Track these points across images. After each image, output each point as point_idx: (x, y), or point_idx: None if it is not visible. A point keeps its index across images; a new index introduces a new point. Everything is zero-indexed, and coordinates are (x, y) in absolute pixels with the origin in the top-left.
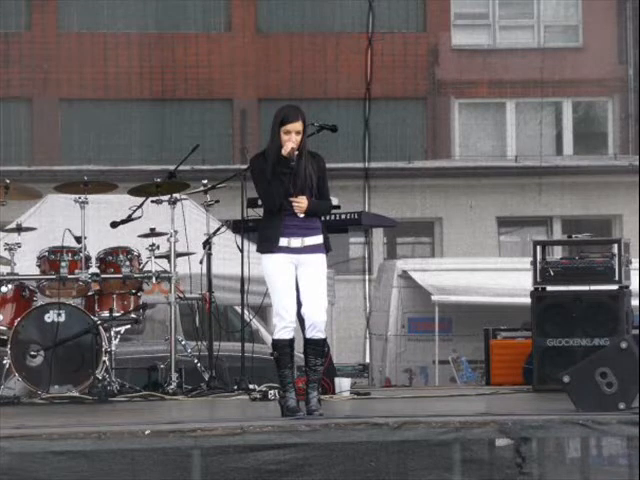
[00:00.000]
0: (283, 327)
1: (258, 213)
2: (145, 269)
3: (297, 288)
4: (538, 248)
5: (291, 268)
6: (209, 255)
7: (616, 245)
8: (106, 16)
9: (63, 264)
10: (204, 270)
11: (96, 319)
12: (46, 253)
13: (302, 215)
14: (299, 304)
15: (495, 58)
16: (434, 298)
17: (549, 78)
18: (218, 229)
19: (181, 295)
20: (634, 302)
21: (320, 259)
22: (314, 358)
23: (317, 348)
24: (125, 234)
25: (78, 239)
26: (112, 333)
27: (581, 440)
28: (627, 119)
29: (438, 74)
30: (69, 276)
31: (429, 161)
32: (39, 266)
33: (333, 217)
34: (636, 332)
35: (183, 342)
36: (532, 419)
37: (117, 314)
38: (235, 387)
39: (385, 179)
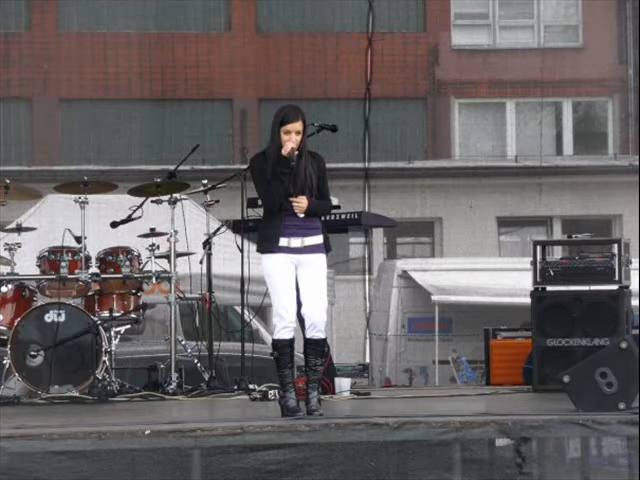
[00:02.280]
0: (283, 327)
1: (258, 213)
2: (145, 269)
3: (297, 288)
4: (538, 248)
5: (291, 268)
6: (209, 255)
7: (616, 245)
8: (106, 16)
9: (63, 264)
10: (204, 270)
11: (96, 319)
12: (46, 253)
13: (302, 215)
14: (299, 304)
15: (495, 58)
16: (434, 298)
17: (549, 78)
18: (218, 229)
19: (181, 295)
20: (634, 302)
21: (320, 259)
22: (314, 358)
23: (317, 348)
24: (125, 234)
25: (78, 239)
26: (112, 333)
27: (581, 440)
28: (627, 119)
29: (438, 74)
30: (69, 276)
31: (429, 161)
32: (39, 266)
33: (333, 217)
34: (636, 332)
35: (183, 342)
36: (532, 419)
37: (117, 314)
38: (235, 387)
39: (385, 179)
